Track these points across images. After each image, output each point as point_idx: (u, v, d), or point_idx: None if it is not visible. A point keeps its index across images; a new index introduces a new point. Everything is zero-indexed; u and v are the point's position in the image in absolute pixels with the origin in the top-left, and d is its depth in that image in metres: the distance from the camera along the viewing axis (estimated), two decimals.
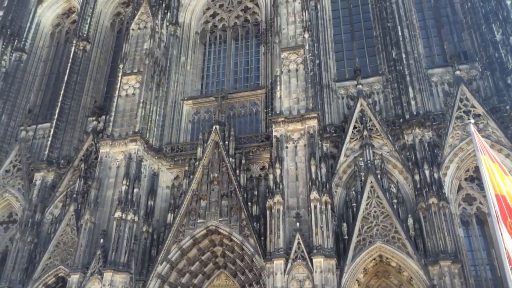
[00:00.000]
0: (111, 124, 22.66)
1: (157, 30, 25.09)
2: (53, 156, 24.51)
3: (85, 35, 28.06)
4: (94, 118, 25.00)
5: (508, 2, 20.46)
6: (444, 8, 24.49)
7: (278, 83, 21.46)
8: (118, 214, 19.74)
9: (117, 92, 23.46)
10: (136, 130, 21.99)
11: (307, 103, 20.58)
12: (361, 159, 19.73)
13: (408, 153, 19.58)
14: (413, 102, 20.58)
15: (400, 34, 22.37)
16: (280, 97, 21.13)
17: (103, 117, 24.92)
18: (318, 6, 24.99)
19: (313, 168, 18.73)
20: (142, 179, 21.35)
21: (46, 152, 24.44)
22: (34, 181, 23.72)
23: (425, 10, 24.59)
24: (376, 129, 20.43)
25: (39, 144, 26.03)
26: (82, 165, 23.03)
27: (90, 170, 22.87)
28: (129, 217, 19.82)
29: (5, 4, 29.52)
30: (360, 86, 21.68)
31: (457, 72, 20.80)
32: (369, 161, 19.35)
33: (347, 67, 23.97)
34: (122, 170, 21.12)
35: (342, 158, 20.22)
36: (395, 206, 18.30)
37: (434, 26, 24.10)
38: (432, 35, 23.79)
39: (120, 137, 22.03)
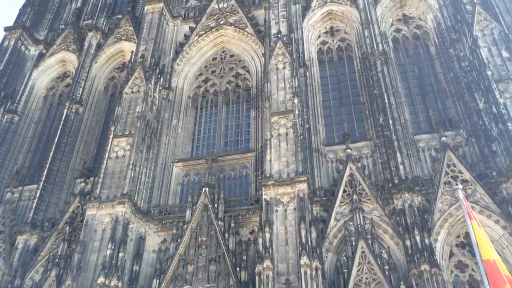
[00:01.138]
0: (99, 186, 22.43)
1: (150, 94, 25.63)
2: (38, 219, 23.92)
3: (78, 98, 28.52)
4: (82, 180, 24.74)
5: (489, 73, 21.34)
6: (428, 77, 25.54)
7: (268, 147, 21.72)
8: (101, 280, 18.97)
9: (107, 154, 23.45)
10: (125, 192, 21.76)
11: (297, 166, 20.73)
12: (351, 223, 19.55)
13: (398, 218, 19.47)
14: (401, 167, 20.80)
15: (386, 101, 23.08)
16: (270, 160, 21.29)
17: (92, 179, 24.66)
18: (307, 73, 25.89)
19: (303, 232, 18.49)
20: (128, 243, 20.77)
21: (31, 215, 23.90)
22: (16, 244, 22.95)
23: (410, 79, 25.60)
24: (366, 193, 20.45)
25: (24, 206, 25.45)
26: (67, 228, 22.45)
27: (75, 233, 22.27)
28: (112, 283, 19.04)
29: (1, 68, 30.11)
30: (349, 150, 21.98)
31: (443, 139, 21.28)
32: (359, 226, 19.18)
33: (336, 131, 24.40)
34: (108, 233, 20.60)
35: (332, 222, 20.02)
36: (387, 273, 17.88)
37: (418, 94, 24.97)
38: (417, 103, 24.58)
39: (108, 199, 21.71)
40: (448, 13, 25.88)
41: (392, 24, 27.67)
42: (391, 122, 22.36)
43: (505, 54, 21.75)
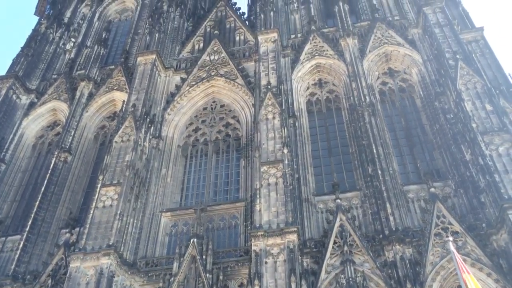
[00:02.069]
0: (84, 236, 21.90)
1: (140, 143, 25.64)
2: (20, 271, 23.11)
3: (67, 147, 28.40)
4: (67, 230, 24.14)
5: (474, 125, 21.81)
6: (415, 129, 26.04)
7: (258, 197, 21.62)
8: None
9: (94, 204, 23.07)
10: (111, 244, 21.22)
11: (286, 216, 20.57)
12: (342, 276, 19.17)
13: (389, 271, 19.16)
14: (391, 218, 20.73)
15: (375, 151, 23.34)
16: (260, 211, 21.13)
17: (77, 229, 24.11)
18: (297, 124, 26.27)
19: (293, 285, 18.14)
20: None
21: (13, 267, 23.10)
22: None
23: (397, 130, 26.06)
24: (357, 244, 20.22)
25: (6, 257, 24.61)
26: (50, 281, 21.63)
27: (57, 286, 21.45)
28: None
29: None
30: (338, 200, 21.92)
31: (432, 190, 21.40)
32: (351, 279, 18.79)
33: (326, 181, 24.45)
34: (92, 286, 19.89)
35: (323, 275, 19.61)
36: None
37: (406, 145, 25.34)
38: (405, 153, 24.90)
39: (93, 250, 21.13)
40: (432, 68, 26.81)
41: (378, 77, 28.51)
42: (380, 172, 22.52)
43: (488, 107, 22.33)
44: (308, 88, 29.20)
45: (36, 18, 41.33)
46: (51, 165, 27.40)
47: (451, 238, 15.74)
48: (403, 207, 21.55)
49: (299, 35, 32.05)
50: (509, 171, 19.88)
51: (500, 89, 23.21)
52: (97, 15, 39.03)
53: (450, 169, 22.81)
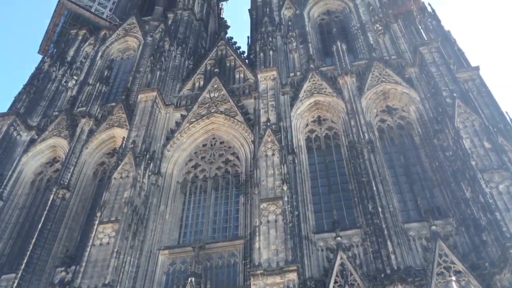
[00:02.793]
0: (80, 275, 21.44)
1: (139, 179, 25.56)
2: None
3: (66, 183, 28.25)
4: (63, 269, 23.65)
5: (473, 163, 21.84)
6: (414, 166, 26.03)
7: (257, 234, 21.34)
8: None
9: (91, 241, 22.74)
10: (107, 283, 20.76)
11: (286, 255, 20.24)
12: None
13: None
14: (393, 257, 20.41)
15: (374, 188, 23.25)
16: (259, 248, 20.80)
17: (73, 267, 23.67)
18: (296, 160, 26.28)
19: None
20: None
21: None
22: None
23: (396, 167, 26.06)
24: (358, 284, 19.76)
25: None
26: None
27: None
28: None
29: None
30: (339, 238, 21.64)
31: (433, 228, 21.15)
32: None
33: (326, 219, 24.21)
34: None
35: None
36: None
37: (406, 182, 25.25)
38: (405, 190, 24.77)
39: None
40: (430, 105, 27.12)
41: (376, 115, 28.76)
42: (380, 210, 22.35)
43: (487, 145, 22.42)
44: (307, 125, 29.42)
45: (40, 57, 42.17)
46: (49, 202, 27.17)
47: (454, 278, 15.46)
48: (404, 245, 21.25)
49: (298, 73, 32.60)
50: (510, 209, 19.70)
51: (498, 127, 23.37)
52: (99, 53, 39.83)
53: (450, 206, 22.66)
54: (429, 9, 34.67)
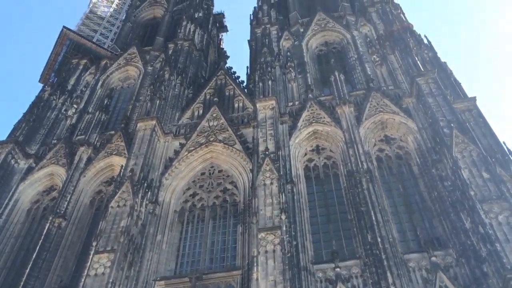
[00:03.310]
0: None
1: (136, 208, 25.35)
2: None
3: (62, 212, 27.99)
4: None
5: (472, 193, 21.75)
6: (413, 195, 25.92)
7: (255, 265, 20.98)
8: None
9: (86, 271, 22.30)
10: None
11: (284, 286, 19.85)
12: None
13: None
14: None
15: (373, 218, 23.05)
16: (257, 279, 20.42)
17: None
18: (294, 190, 26.15)
19: None
20: None
21: None
22: None
23: (395, 197, 25.94)
24: None
25: None
26: None
27: None
28: None
29: None
30: (338, 269, 21.35)
31: (433, 259, 20.89)
32: None
33: (324, 249, 23.92)
34: None
35: None
36: None
37: (405, 212, 25.09)
38: (404, 221, 24.58)
39: None
40: (427, 135, 27.23)
41: (375, 144, 28.84)
42: (379, 240, 22.10)
43: (485, 175, 22.39)
44: (305, 154, 29.45)
45: (41, 85, 42.56)
46: (44, 231, 26.83)
47: None
48: (404, 276, 20.89)
49: (296, 102, 32.86)
50: (510, 240, 19.49)
51: (496, 157, 23.36)
52: (100, 82, 40.24)
53: (450, 237, 22.41)
54: (425, 41, 35.28)
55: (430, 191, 24.97)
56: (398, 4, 41.52)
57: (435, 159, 25.43)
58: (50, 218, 27.57)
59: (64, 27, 45.50)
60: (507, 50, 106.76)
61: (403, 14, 40.65)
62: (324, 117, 30.28)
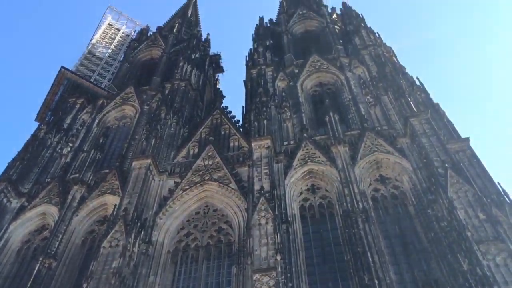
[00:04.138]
0: None
1: (129, 248, 24.87)
2: None
3: (53, 252, 27.39)
4: None
5: (469, 234, 21.60)
6: (410, 236, 25.59)
7: None
8: None
9: None
10: None
11: None
12: None
13: None
14: None
15: (370, 259, 22.71)
16: None
17: None
18: (290, 229, 25.84)
19: None
20: None
21: None
22: None
23: (392, 237, 25.63)
24: None
25: None
26: None
27: None
28: None
29: None
30: None
31: None
32: None
33: None
34: None
35: None
36: None
37: (402, 253, 24.69)
38: (402, 262, 24.18)
39: None
40: (422, 175, 27.28)
41: (370, 184, 28.82)
42: (376, 282, 21.68)
43: (481, 216, 22.32)
44: (301, 193, 29.31)
45: (37, 124, 42.67)
46: (34, 272, 26.16)
47: None
48: None
49: (291, 142, 33.04)
50: (509, 282, 19.24)
51: (491, 198, 23.40)
52: (96, 121, 40.46)
53: (448, 279, 21.97)
54: (418, 83, 36.07)
55: (427, 232, 24.74)
56: (390, 47, 42.81)
57: (430, 199, 25.38)
58: (41, 259, 26.94)
59: (62, 67, 46.27)
60: (500, 91, 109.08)
61: (395, 57, 41.85)
62: (319, 157, 30.39)
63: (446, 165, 25.38)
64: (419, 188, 26.97)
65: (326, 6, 53.55)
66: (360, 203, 25.99)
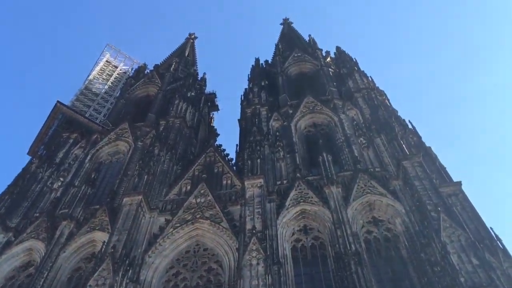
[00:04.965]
0: None
1: (115, 287, 24.21)
2: None
3: None
4: None
5: (462, 279, 21.25)
6: (403, 281, 25.06)
7: None
8: None
9: None
10: None
11: None
12: None
13: None
14: None
15: None
16: None
17: None
18: (281, 271, 25.34)
19: None
20: None
21: None
22: None
23: (385, 281, 25.10)
24: None
25: None
26: None
27: None
28: None
29: None
30: None
31: None
32: None
33: None
34: None
35: None
36: None
37: None
38: None
39: None
40: (415, 218, 27.16)
41: (363, 226, 28.60)
42: None
43: (474, 261, 22.10)
44: (293, 234, 28.98)
45: (28, 158, 42.38)
46: None
47: None
48: None
49: (284, 181, 32.97)
50: None
51: (484, 243, 23.24)
52: (89, 156, 40.26)
53: None
54: (410, 126, 36.57)
55: (420, 276, 24.34)
56: (383, 91, 43.61)
57: (423, 243, 25.15)
58: None
59: (58, 101, 46.47)
60: (491, 134, 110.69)
61: (388, 100, 42.60)
62: (312, 197, 30.27)
63: (439, 208, 25.35)
64: (412, 231, 26.78)
65: (321, 50, 54.86)
66: (352, 245, 25.69)
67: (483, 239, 23.67)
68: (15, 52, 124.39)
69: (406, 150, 31.52)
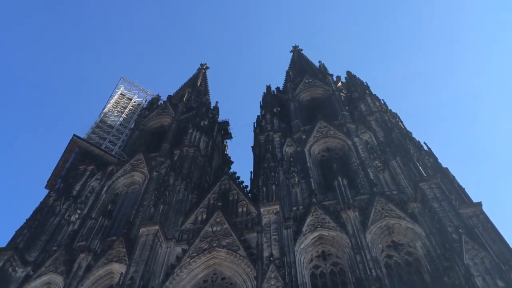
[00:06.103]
0: None
1: None
2: None
3: None
4: None
5: None
6: None
7: None
8: None
9: None
10: None
11: None
12: None
13: None
14: None
15: None
16: None
17: None
18: None
19: None
20: None
21: None
22: None
23: None
24: None
25: None
26: None
27: None
28: None
29: None
30: None
31: None
32: None
33: None
34: None
35: None
36: None
37: None
38: None
39: None
40: (436, 241, 26.56)
41: (383, 250, 28.00)
42: None
43: (500, 283, 21.44)
44: (311, 260, 28.49)
45: (46, 191, 42.75)
46: None
47: None
48: None
49: (300, 207, 32.68)
50: None
51: (509, 265, 22.58)
52: (105, 188, 40.55)
53: None
54: (425, 148, 36.24)
55: None
56: (396, 113, 43.50)
57: (446, 266, 24.50)
58: None
59: (74, 135, 47.11)
60: (509, 151, 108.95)
61: (402, 122, 42.42)
62: (329, 222, 29.88)
63: (460, 230, 24.80)
64: (433, 254, 26.14)
65: (331, 75, 55.26)
66: (373, 271, 25.13)
67: (507, 260, 23.01)
68: (31, 88, 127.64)
69: (423, 172, 31.15)
